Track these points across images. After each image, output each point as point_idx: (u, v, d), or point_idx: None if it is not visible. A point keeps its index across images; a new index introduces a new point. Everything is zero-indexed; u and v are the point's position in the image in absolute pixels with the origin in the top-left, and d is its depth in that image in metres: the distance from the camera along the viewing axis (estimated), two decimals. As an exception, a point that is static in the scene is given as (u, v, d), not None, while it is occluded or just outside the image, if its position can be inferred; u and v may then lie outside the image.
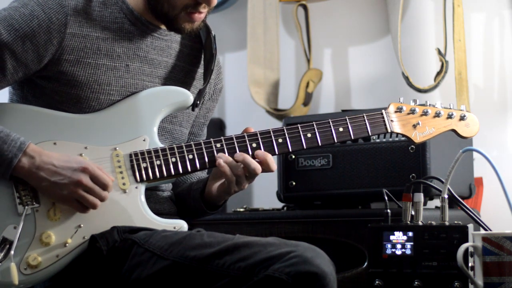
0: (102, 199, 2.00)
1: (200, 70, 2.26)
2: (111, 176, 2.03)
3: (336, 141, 2.12)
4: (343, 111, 2.83)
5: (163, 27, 2.17)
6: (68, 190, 1.97)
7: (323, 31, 3.43)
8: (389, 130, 2.16)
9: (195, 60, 2.25)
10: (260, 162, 2.07)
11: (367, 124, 2.14)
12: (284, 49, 3.45)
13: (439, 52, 3.08)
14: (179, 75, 2.21)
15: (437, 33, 3.19)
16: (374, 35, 3.36)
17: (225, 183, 2.09)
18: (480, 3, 3.15)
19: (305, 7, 3.41)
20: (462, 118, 2.20)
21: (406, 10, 3.23)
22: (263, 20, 3.39)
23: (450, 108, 2.21)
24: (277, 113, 3.35)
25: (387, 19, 3.25)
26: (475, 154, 2.85)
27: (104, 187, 2.00)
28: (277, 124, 3.26)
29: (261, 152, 2.08)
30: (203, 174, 2.33)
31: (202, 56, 2.26)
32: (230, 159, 2.06)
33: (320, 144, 2.12)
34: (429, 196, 2.56)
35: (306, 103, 3.36)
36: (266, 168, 2.08)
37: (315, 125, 2.12)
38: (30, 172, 1.98)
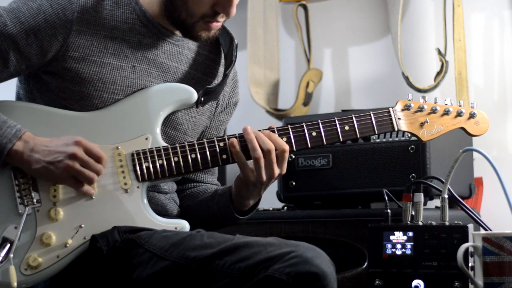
0: (98, 173, 1.98)
1: (214, 80, 2.23)
2: (112, 177, 2.03)
3: (341, 140, 2.09)
4: (343, 111, 2.83)
5: (176, 32, 2.15)
6: (63, 165, 1.96)
7: (323, 31, 3.43)
8: (396, 129, 2.12)
9: (208, 70, 2.23)
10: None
11: (374, 122, 2.11)
12: (284, 49, 3.45)
13: (439, 52, 3.08)
14: (189, 82, 2.17)
15: (437, 33, 3.20)
16: (374, 35, 3.36)
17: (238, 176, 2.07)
18: (480, 3, 3.15)
19: (305, 7, 3.41)
20: (471, 116, 2.17)
21: (406, 10, 3.23)
22: (263, 20, 3.39)
23: (460, 106, 2.17)
24: (277, 113, 3.35)
25: (387, 19, 3.25)
26: (475, 154, 2.85)
27: (99, 160, 1.99)
28: (277, 124, 3.25)
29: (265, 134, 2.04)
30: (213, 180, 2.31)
31: (218, 66, 2.24)
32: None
33: (325, 143, 2.08)
34: (429, 196, 2.56)
35: (306, 103, 3.36)
36: (278, 147, 2.02)
37: (320, 124, 2.09)
38: (24, 156, 1.97)
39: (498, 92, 3.12)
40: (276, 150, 2.02)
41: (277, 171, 2.03)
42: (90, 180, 1.98)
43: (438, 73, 3.09)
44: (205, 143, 2.06)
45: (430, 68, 3.16)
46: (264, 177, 2.03)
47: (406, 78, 3.09)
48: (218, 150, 2.06)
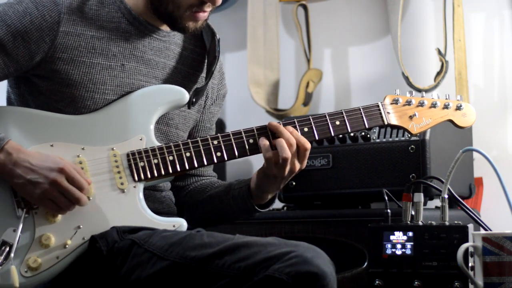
0: (77, 201, 1.98)
1: (201, 74, 2.25)
2: (109, 178, 2.03)
3: (333, 134, 2.12)
4: (342, 111, 2.83)
5: (162, 28, 2.16)
6: (42, 190, 1.96)
7: (323, 31, 3.43)
8: (385, 122, 2.16)
9: (195, 64, 2.24)
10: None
11: (364, 116, 2.14)
12: (284, 49, 3.45)
13: (439, 52, 3.08)
14: (177, 77, 2.20)
15: (437, 33, 3.19)
16: (374, 35, 3.36)
17: (261, 169, 2.08)
18: (480, 3, 3.15)
19: (305, 7, 3.41)
20: (458, 108, 2.21)
21: (406, 10, 3.23)
22: (263, 20, 3.39)
23: (446, 99, 2.21)
24: (277, 113, 3.35)
25: (387, 19, 3.25)
26: (475, 154, 2.85)
27: (80, 189, 1.98)
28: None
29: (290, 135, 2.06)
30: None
31: (205, 60, 2.25)
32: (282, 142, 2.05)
33: (317, 138, 2.11)
34: (429, 196, 2.56)
35: (306, 103, 3.36)
36: (301, 145, 2.06)
37: (311, 119, 2.12)
38: (6, 169, 1.97)
39: (498, 92, 3.12)
40: (298, 147, 2.05)
41: (298, 166, 2.07)
42: (66, 207, 1.99)
43: (438, 73, 3.09)
44: (199, 141, 2.08)
45: (430, 68, 3.16)
46: (286, 172, 2.06)
47: (406, 78, 3.09)
48: (212, 147, 2.07)
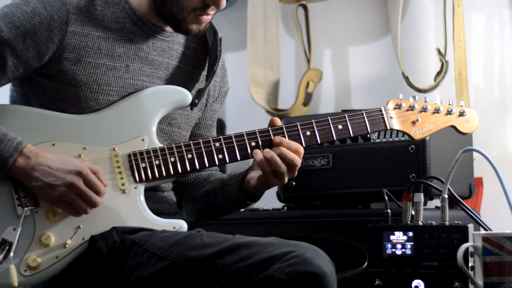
0: (93, 205, 1.98)
1: (204, 72, 2.25)
2: (110, 178, 2.03)
3: (335, 138, 2.12)
4: (343, 111, 2.83)
5: (166, 28, 2.16)
6: (59, 192, 1.96)
7: (323, 31, 3.43)
8: (388, 127, 2.15)
9: (197, 63, 2.24)
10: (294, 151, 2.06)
11: (366, 121, 2.13)
12: (284, 49, 3.45)
13: (439, 52, 3.08)
14: (180, 76, 2.20)
15: (437, 33, 3.20)
16: (374, 35, 3.36)
17: (262, 176, 2.08)
18: (480, 3, 3.15)
19: (305, 7, 3.41)
20: (461, 114, 2.20)
21: (406, 10, 3.23)
22: (263, 20, 3.39)
23: (449, 104, 2.21)
24: (277, 113, 3.35)
25: (387, 19, 3.25)
26: (475, 154, 2.85)
27: (97, 192, 1.98)
28: (277, 124, 3.25)
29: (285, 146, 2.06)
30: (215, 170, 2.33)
31: (207, 58, 2.25)
32: (269, 154, 2.04)
33: (319, 142, 2.11)
34: (429, 196, 2.56)
35: (306, 103, 3.36)
36: (294, 151, 2.05)
37: (314, 123, 2.11)
38: (24, 172, 1.97)
39: (498, 92, 3.12)
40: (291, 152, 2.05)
41: (294, 165, 2.06)
42: (83, 211, 1.99)
43: (438, 73, 3.09)
44: (201, 143, 2.07)
45: (430, 68, 3.16)
46: (286, 172, 2.06)
47: (406, 78, 3.09)
48: (214, 150, 2.07)
